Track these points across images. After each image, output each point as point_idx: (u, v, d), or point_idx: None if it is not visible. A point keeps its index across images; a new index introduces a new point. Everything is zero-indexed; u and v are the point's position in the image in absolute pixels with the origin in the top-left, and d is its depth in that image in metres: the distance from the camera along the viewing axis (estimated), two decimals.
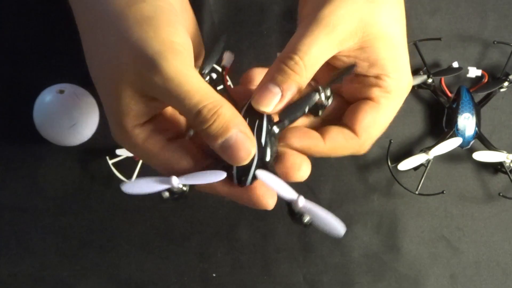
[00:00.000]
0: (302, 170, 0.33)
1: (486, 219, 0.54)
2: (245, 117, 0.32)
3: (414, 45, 0.53)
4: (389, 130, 0.55)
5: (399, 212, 0.54)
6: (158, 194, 0.32)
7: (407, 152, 0.54)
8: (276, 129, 0.33)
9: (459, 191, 0.54)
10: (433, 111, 0.55)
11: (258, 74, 0.36)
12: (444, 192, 0.53)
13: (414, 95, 0.55)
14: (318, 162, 0.56)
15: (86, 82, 0.53)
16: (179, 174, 0.32)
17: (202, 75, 0.33)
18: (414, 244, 0.54)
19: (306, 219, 0.31)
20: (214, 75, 0.34)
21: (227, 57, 0.35)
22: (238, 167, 0.32)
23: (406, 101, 0.55)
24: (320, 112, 0.34)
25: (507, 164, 0.51)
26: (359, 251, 0.54)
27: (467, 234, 0.54)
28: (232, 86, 0.36)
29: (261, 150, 0.32)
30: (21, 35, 0.54)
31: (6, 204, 0.53)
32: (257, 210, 0.54)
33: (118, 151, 0.51)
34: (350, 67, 0.34)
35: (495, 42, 0.54)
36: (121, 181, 0.52)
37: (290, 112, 0.33)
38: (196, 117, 0.30)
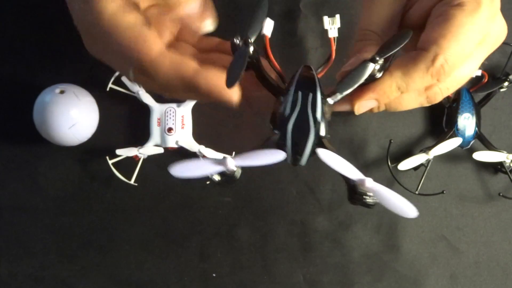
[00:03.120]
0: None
1: (486, 219, 0.54)
2: (296, 90, 0.31)
3: None
4: (389, 130, 0.55)
5: None
6: (205, 178, 0.30)
7: (407, 152, 0.54)
8: (330, 101, 0.31)
9: (459, 191, 0.54)
10: (433, 111, 0.55)
11: None
12: (444, 192, 0.53)
13: None
14: (318, 162, 0.56)
15: (86, 82, 0.53)
16: (207, 96, 0.31)
17: (248, 44, 0.30)
18: (414, 244, 0.54)
19: (371, 200, 0.29)
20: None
21: (268, 25, 0.33)
22: (293, 144, 0.30)
23: None
24: None
25: (507, 164, 0.51)
26: (359, 251, 0.54)
27: (467, 234, 0.54)
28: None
29: (317, 125, 0.30)
30: (21, 35, 0.54)
31: (6, 204, 0.53)
32: (257, 210, 0.54)
33: (118, 151, 0.51)
34: (406, 34, 0.31)
35: None
36: (121, 181, 0.52)
37: (345, 84, 0.31)
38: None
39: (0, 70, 0.54)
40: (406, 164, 0.50)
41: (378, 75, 0.32)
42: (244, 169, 0.54)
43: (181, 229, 0.54)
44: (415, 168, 0.52)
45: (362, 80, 0.31)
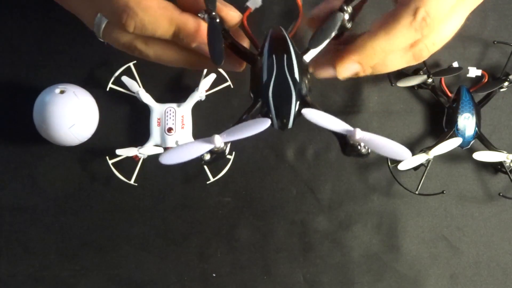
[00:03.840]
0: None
1: (486, 219, 0.54)
2: (270, 54, 0.30)
3: None
4: (389, 130, 0.55)
5: (399, 212, 0.54)
6: (195, 160, 0.30)
7: None
8: (306, 59, 0.31)
9: (459, 191, 0.54)
10: (433, 111, 0.55)
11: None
12: (444, 192, 0.53)
13: (414, 95, 0.55)
14: (318, 162, 0.56)
15: (86, 82, 0.53)
16: (192, 36, 0.31)
17: (213, 17, 0.30)
18: (414, 244, 0.54)
19: (364, 150, 0.29)
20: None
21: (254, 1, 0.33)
22: (277, 109, 0.29)
23: (406, 101, 0.55)
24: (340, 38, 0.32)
25: (507, 164, 0.51)
26: (359, 251, 0.54)
27: (467, 234, 0.54)
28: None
29: (297, 86, 0.29)
30: (21, 35, 0.54)
31: (6, 204, 0.53)
32: (257, 210, 0.54)
33: (118, 151, 0.51)
34: None
35: (495, 42, 0.54)
36: (121, 181, 0.52)
37: (316, 38, 0.31)
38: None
39: (0, 70, 0.54)
40: (406, 164, 0.50)
41: (349, 25, 0.31)
42: (244, 169, 0.54)
43: (181, 229, 0.54)
44: (415, 168, 0.52)
45: (333, 32, 0.30)
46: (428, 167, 0.51)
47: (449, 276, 0.54)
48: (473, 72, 0.53)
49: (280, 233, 0.54)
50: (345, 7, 0.30)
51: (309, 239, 0.54)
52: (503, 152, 0.51)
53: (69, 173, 0.53)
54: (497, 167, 0.54)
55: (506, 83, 0.52)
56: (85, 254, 0.53)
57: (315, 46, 0.31)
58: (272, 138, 0.54)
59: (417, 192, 0.52)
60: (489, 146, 0.52)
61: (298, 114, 0.30)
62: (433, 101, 0.55)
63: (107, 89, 0.53)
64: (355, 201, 0.54)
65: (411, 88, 0.54)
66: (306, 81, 0.30)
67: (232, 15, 0.33)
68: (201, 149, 0.28)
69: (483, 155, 0.51)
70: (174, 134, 0.52)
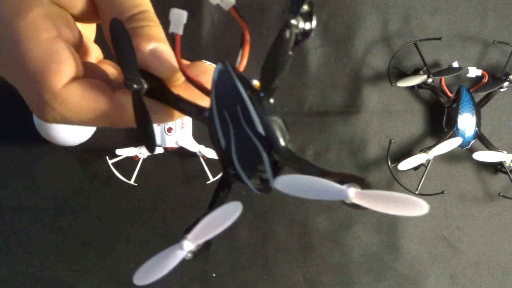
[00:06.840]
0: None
1: (486, 219, 0.54)
2: (220, 109, 0.23)
3: (414, 45, 0.53)
4: (389, 130, 0.55)
5: None
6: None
7: (407, 152, 0.54)
8: (271, 100, 0.23)
9: (459, 191, 0.54)
10: (433, 111, 0.55)
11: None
12: (444, 192, 0.53)
13: (414, 95, 0.55)
14: (318, 162, 0.56)
15: None
16: (119, 123, 0.25)
17: (137, 82, 0.24)
18: (414, 244, 0.54)
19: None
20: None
21: (175, 16, 0.24)
22: (251, 178, 0.23)
23: (406, 101, 0.55)
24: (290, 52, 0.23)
25: (507, 164, 0.51)
26: (359, 251, 0.54)
27: (467, 234, 0.54)
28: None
29: (264, 140, 0.23)
30: None
31: (6, 204, 0.53)
32: (257, 210, 0.54)
33: (118, 151, 0.51)
34: None
35: (495, 42, 0.54)
36: (121, 181, 0.52)
37: (269, 71, 0.23)
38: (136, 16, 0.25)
39: None
40: (406, 164, 0.50)
41: (301, 36, 0.24)
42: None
43: (181, 229, 0.53)
44: (415, 168, 0.52)
45: (287, 56, 0.22)
46: (428, 167, 0.51)
47: (449, 276, 0.54)
48: (473, 72, 0.53)
49: (280, 233, 0.54)
50: (292, 21, 0.22)
51: (309, 239, 0.54)
52: (503, 152, 0.51)
53: (69, 173, 0.53)
54: (497, 167, 0.54)
55: (506, 83, 0.52)
56: (85, 254, 0.53)
57: (266, 89, 0.23)
58: None
59: (417, 192, 0.52)
60: (489, 146, 0.52)
61: (278, 169, 0.24)
62: (433, 101, 0.55)
63: None
64: None
65: (411, 88, 0.54)
66: (278, 124, 0.23)
67: (163, 68, 0.26)
68: (172, 260, 0.24)
69: (483, 155, 0.51)
70: (174, 134, 0.52)
